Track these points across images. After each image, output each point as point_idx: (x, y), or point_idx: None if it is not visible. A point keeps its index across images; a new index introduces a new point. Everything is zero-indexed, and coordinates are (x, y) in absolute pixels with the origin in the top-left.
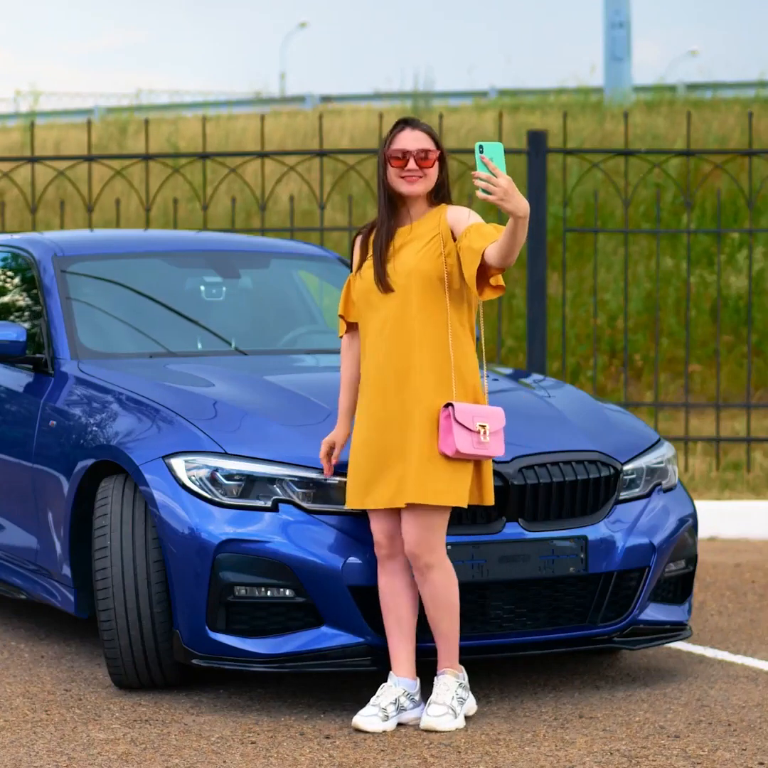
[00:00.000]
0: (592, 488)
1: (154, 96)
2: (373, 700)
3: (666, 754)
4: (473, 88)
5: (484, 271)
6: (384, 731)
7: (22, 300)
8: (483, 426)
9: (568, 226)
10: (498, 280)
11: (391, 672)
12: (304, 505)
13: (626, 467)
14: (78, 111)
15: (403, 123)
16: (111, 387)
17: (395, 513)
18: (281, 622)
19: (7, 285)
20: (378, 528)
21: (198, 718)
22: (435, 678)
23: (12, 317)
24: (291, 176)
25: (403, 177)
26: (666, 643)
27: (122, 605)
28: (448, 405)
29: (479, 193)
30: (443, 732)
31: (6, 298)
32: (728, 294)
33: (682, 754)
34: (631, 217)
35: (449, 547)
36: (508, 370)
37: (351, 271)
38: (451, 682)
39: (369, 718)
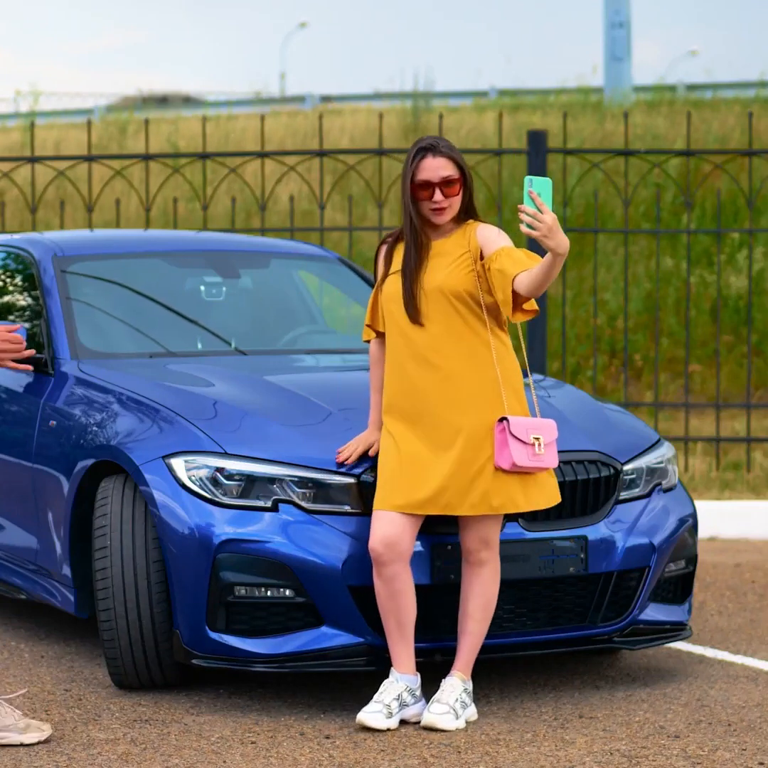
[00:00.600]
0: (592, 488)
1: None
2: (376, 696)
3: (666, 754)
4: (473, 88)
5: (514, 296)
6: (388, 728)
7: (22, 300)
8: (537, 438)
9: (568, 226)
10: (532, 304)
11: (392, 668)
12: (304, 505)
13: (626, 467)
14: (78, 111)
15: (424, 150)
16: (111, 387)
17: (400, 520)
18: (281, 622)
19: (7, 285)
20: (379, 535)
21: (198, 718)
22: (443, 679)
23: (12, 317)
24: (291, 176)
25: (432, 209)
26: (666, 643)
27: (122, 605)
28: (503, 419)
29: (523, 228)
30: (443, 730)
31: (6, 298)
32: (728, 294)
33: (682, 754)
34: (631, 217)
35: (449, 547)
36: None
37: (375, 280)
38: (458, 685)
39: (373, 714)
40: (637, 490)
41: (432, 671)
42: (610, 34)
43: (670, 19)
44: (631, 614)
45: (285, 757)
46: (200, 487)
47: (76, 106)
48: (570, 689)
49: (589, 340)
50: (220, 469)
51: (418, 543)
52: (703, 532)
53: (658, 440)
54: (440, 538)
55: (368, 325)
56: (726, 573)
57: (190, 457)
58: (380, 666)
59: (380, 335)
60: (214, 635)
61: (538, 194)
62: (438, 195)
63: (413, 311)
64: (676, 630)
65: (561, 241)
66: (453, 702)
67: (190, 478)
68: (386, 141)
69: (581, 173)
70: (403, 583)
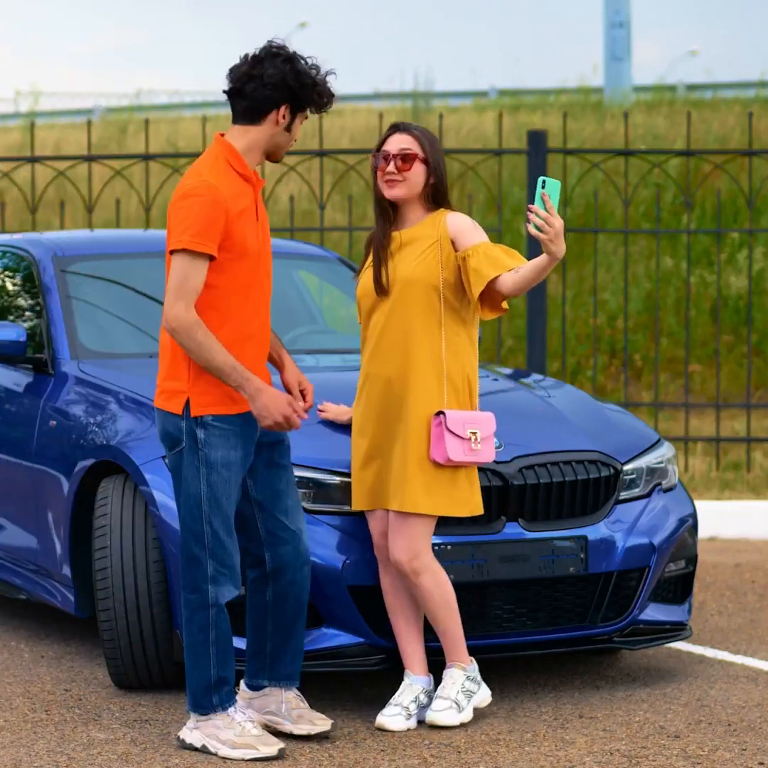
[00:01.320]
0: (592, 488)
1: (154, 96)
2: (393, 699)
3: (666, 754)
4: (473, 88)
5: (490, 294)
6: (408, 729)
7: (22, 300)
8: (474, 433)
9: (568, 226)
10: (504, 303)
11: (406, 671)
12: (304, 505)
13: (626, 467)
14: (78, 111)
15: (393, 127)
16: (111, 387)
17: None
18: None
19: (7, 285)
20: (376, 530)
21: None
22: (443, 671)
23: (12, 317)
24: (291, 176)
25: (385, 181)
26: (666, 643)
27: (122, 605)
28: (440, 413)
29: (530, 228)
30: (446, 726)
31: (6, 298)
32: (728, 294)
33: (682, 754)
34: (631, 217)
35: (449, 547)
36: (508, 370)
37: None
38: (458, 675)
39: (393, 717)
40: (637, 490)
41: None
42: (610, 34)
43: (670, 19)
44: (631, 614)
45: (285, 757)
46: None
47: (76, 106)
48: (570, 689)
49: (589, 340)
50: None
51: None
52: (703, 532)
53: (658, 440)
54: (440, 538)
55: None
56: (726, 573)
57: None
58: (380, 666)
59: None
60: None
61: (549, 196)
62: (390, 166)
63: (378, 282)
64: (676, 630)
65: (561, 247)
66: (454, 695)
67: None
68: None
69: (581, 173)
70: (409, 580)
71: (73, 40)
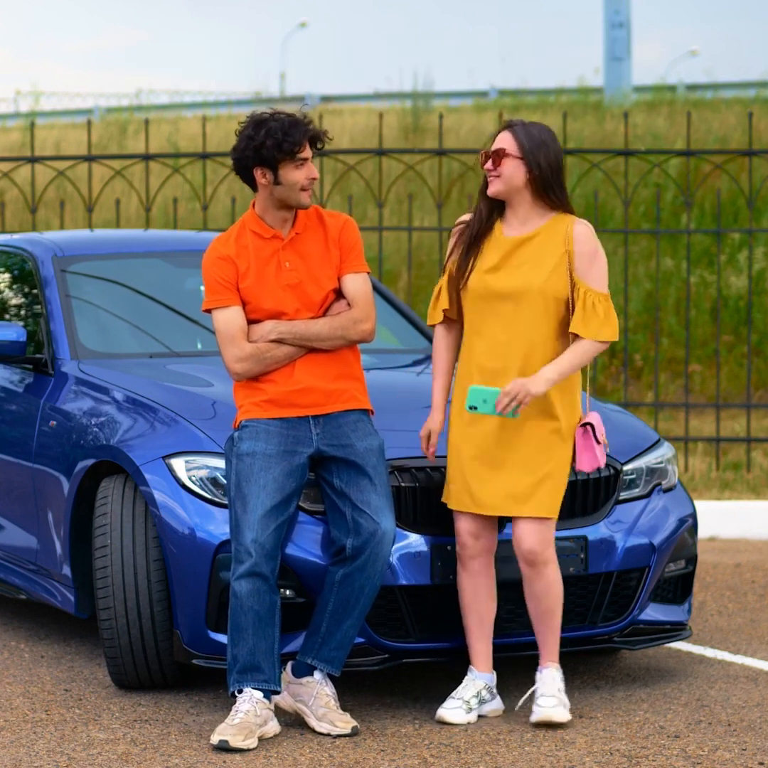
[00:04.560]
0: (592, 488)
1: (154, 96)
2: (455, 692)
3: (666, 754)
4: (473, 88)
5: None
6: (469, 722)
7: (22, 300)
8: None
9: None
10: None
11: (470, 666)
12: (305, 505)
13: (626, 467)
14: (78, 111)
15: (504, 125)
16: (111, 387)
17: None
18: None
19: (7, 285)
20: (465, 529)
21: (198, 718)
22: (537, 672)
23: (12, 317)
24: None
25: (487, 177)
26: (666, 643)
27: (122, 605)
28: (587, 423)
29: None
30: (559, 723)
31: (6, 298)
32: (728, 294)
33: (682, 754)
34: (631, 217)
35: (450, 547)
36: None
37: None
38: (556, 674)
39: (453, 710)
40: (637, 490)
41: (438, 671)
42: (610, 34)
43: (670, 19)
44: (631, 614)
45: (285, 757)
46: (200, 487)
47: (76, 106)
48: (570, 689)
49: None
50: (220, 470)
51: (419, 543)
52: (703, 532)
53: (658, 440)
54: (440, 538)
55: (444, 310)
56: (726, 573)
57: (190, 458)
58: (380, 666)
59: (446, 316)
60: (214, 635)
61: (477, 408)
62: (488, 163)
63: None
64: (676, 630)
65: (538, 387)
66: (557, 692)
67: (190, 478)
68: (386, 141)
69: (581, 173)
70: (488, 579)
71: (73, 40)
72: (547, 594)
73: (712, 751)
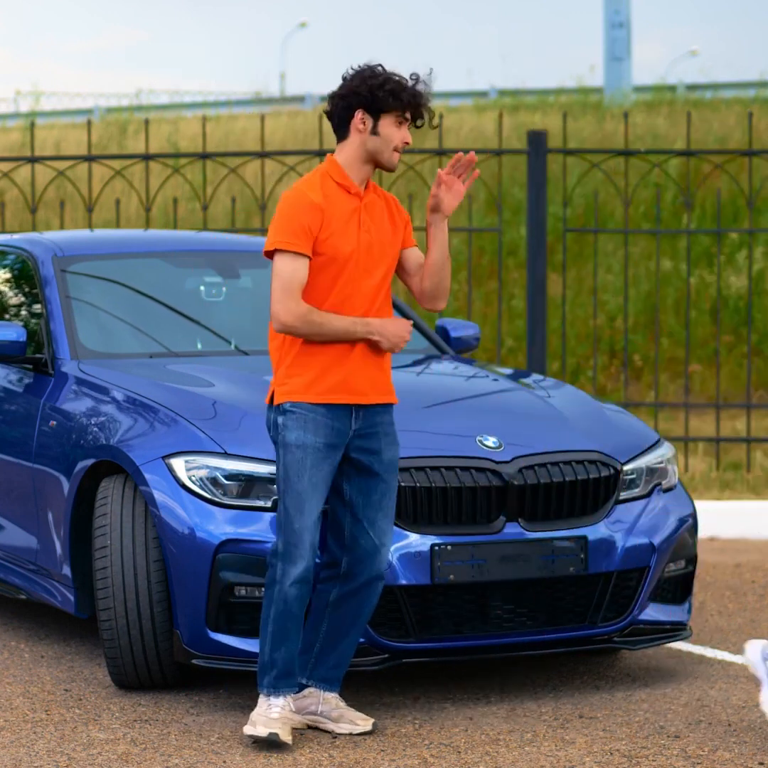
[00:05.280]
0: (592, 488)
1: (154, 96)
2: None
3: (666, 754)
4: (473, 88)
5: None
6: None
7: (22, 300)
8: None
9: (568, 226)
10: None
11: None
12: None
13: (626, 467)
14: (78, 111)
15: None
16: (111, 387)
17: None
18: None
19: (7, 285)
20: None
21: (198, 718)
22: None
23: (12, 317)
24: (291, 176)
25: None
26: (666, 643)
27: (122, 605)
28: None
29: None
30: None
31: (6, 298)
32: (728, 294)
33: (682, 754)
34: (631, 217)
35: (449, 547)
36: (508, 370)
37: None
38: None
39: None
40: (636, 490)
41: (448, 670)
42: (610, 34)
43: (670, 19)
44: (631, 614)
45: (285, 757)
46: (200, 487)
47: (76, 106)
48: (570, 689)
49: (589, 340)
50: (220, 469)
51: (419, 543)
52: (703, 532)
53: (658, 440)
54: (440, 538)
55: None
56: (726, 573)
57: (190, 457)
58: (381, 666)
59: None
60: (214, 635)
61: None
62: None
63: None
64: (676, 630)
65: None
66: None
67: (190, 478)
68: None
69: (581, 173)
70: None
71: (73, 40)
72: None
73: (712, 751)
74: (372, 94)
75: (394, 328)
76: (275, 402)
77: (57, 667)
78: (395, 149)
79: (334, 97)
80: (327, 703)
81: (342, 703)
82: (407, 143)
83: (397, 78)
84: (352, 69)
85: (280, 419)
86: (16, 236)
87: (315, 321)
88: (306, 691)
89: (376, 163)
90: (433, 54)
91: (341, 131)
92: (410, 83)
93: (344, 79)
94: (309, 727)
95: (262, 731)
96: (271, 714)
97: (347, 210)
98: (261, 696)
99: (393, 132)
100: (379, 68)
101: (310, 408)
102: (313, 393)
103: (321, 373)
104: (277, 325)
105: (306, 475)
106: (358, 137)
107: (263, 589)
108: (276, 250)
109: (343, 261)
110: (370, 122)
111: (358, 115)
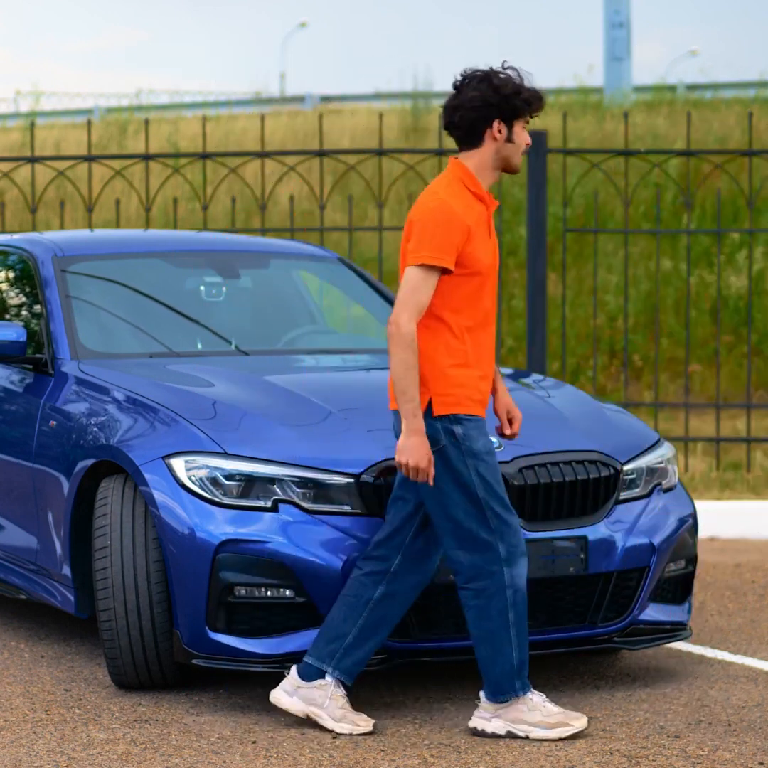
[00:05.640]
0: (592, 488)
1: (154, 96)
2: None
3: (666, 754)
4: None
5: None
6: None
7: (22, 300)
8: None
9: (568, 226)
10: None
11: None
12: (304, 505)
13: (626, 467)
14: (78, 111)
15: None
16: (111, 387)
17: None
18: (281, 622)
19: (7, 285)
20: None
21: (198, 718)
22: None
23: (12, 317)
24: (291, 176)
25: None
26: (666, 643)
27: (122, 605)
28: None
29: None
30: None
31: (6, 298)
32: (728, 294)
33: (682, 754)
34: (631, 217)
35: None
36: (508, 370)
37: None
38: None
39: None
40: (637, 490)
41: (449, 670)
42: (610, 34)
43: (670, 19)
44: (631, 614)
45: (285, 757)
46: (200, 487)
47: (76, 106)
48: (570, 689)
49: (589, 340)
50: (220, 469)
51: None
52: (703, 532)
53: (658, 440)
54: None
55: None
56: (726, 573)
57: (190, 457)
58: (381, 666)
59: None
60: (214, 635)
61: None
62: None
63: None
64: (676, 630)
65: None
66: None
67: (190, 478)
68: (386, 141)
69: (581, 173)
70: None
71: (73, 40)
72: None
73: (712, 751)
74: (509, 104)
75: (419, 452)
76: (437, 412)
77: (57, 667)
78: (522, 152)
79: (460, 108)
80: (334, 702)
81: (347, 704)
82: (529, 144)
83: (526, 84)
84: (467, 75)
85: (458, 430)
86: (16, 236)
87: (413, 348)
88: (318, 682)
89: (505, 167)
90: (433, 54)
91: (472, 140)
92: (531, 85)
93: (464, 86)
94: (309, 718)
95: (568, 730)
96: (554, 708)
97: (483, 219)
98: (517, 701)
99: (523, 136)
100: (502, 74)
101: (478, 418)
102: (476, 405)
103: (484, 394)
104: (392, 327)
105: (499, 478)
106: (493, 145)
107: (264, 589)
108: (419, 265)
109: (486, 272)
110: (506, 131)
111: (496, 125)
